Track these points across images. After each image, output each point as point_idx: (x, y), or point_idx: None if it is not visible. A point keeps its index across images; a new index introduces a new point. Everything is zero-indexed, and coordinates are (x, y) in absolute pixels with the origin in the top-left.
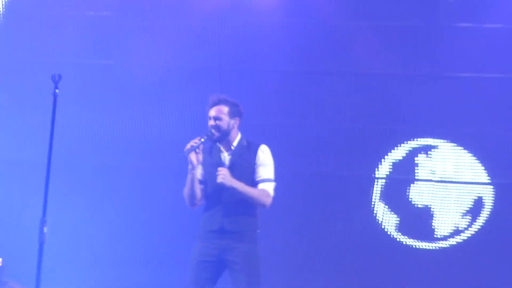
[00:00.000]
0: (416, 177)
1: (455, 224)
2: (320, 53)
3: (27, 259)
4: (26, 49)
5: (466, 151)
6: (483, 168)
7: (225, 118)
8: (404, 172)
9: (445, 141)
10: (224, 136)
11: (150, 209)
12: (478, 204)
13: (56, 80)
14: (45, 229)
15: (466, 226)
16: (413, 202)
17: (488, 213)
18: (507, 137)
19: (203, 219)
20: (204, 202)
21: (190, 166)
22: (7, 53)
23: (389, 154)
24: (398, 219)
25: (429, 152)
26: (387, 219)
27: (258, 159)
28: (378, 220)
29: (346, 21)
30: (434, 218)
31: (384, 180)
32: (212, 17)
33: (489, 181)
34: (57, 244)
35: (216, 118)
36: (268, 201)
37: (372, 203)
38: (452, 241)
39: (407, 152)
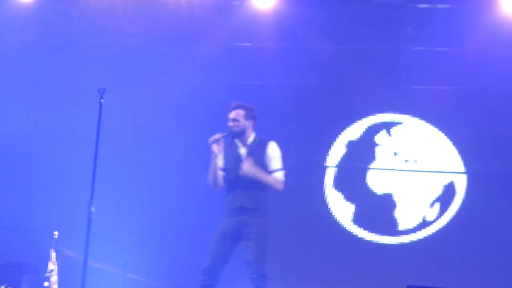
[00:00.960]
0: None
1: (421, 215)
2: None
3: (79, 232)
4: (77, 67)
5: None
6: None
7: (242, 120)
8: (362, 156)
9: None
10: (240, 134)
11: (184, 194)
12: (448, 192)
13: (101, 92)
14: (93, 208)
15: (434, 218)
16: (372, 190)
17: (460, 203)
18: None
19: (226, 199)
20: (226, 186)
21: (212, 155)
22: (65, 72)
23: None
24: (355, 209)
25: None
26: (342, 209)
27: (268, 153)
28: (331, 211)
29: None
30: (396, 208)
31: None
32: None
33: (463, 170)
34: (104, 221)
35: (234, 120)
36: (280, 186)
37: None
38: (418, 235)
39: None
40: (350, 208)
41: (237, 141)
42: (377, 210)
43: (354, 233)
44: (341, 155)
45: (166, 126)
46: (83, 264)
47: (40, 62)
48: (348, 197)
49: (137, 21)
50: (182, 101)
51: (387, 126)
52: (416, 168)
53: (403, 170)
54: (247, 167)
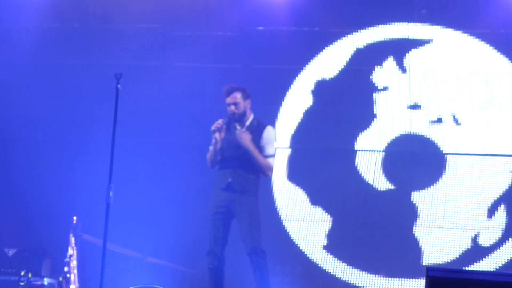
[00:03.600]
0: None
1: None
2: None
3: (98, 217)
4: (93, 52)
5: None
6: None
7: (241, 101)
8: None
9: None
10: (242, 116)
11: (202, 177)
12: None
13: (118, 77)
14: (111, 193)
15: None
16: None
17: None
18: None
19: (216, 177)
20: (219, 164)
21: (214, 141)
22: (81, 58)
23: None
24: None
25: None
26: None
27: (264, 137)
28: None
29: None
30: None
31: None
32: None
33: None
34: (122, 205)
35: (234, 104)
36: (270, 174)
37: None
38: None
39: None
40: None
41: (236, 124)
42: None
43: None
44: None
45: (182, 110)
46: (102, 248)
47: (56, 48)
48: None
49: (152, 6)
50: (197, 86)
51: None
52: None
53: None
54: (243, 137)
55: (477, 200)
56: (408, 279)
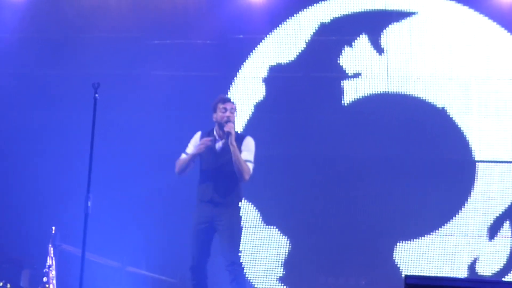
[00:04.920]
0: None
1: None
2: None
3: (76, 228)
4: (71, 62)
5: None
6: None
7: (235, 112)
8: None
9: None
10: (233, 130)
11: (181, 187)
12: None
13: (96, 87)
14: (89, 203)
15: None
16: None
17: None
18: None
19: (198, 190)
20: (199, 176)
21: (194, 150)
22: (60, 67)
23: None
24: None
25: None
26: None
27: (243, 145)
28: None
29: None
30: None
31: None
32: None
33: None
34: (101, 216)
35: (233, 110)
36: (247, 177)
37: None
38: None
39: None
40: None
41: (215, 133)
42: None
43: None
44: None
45: (160, 119)
46: (81, 258)
47: (34, 58)
48: None
49: (130, 15)
50: (176, 95)
51: None
52: None
53: None
54: (231, 130)
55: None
56: None
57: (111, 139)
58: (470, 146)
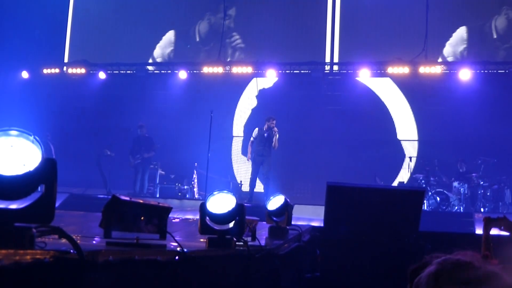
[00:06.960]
0: None
1: None
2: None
3: None
4: None
5: None
6: None
7: (274, 122)
8: None
9: None
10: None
11: None
12: None
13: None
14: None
15: None
16: None
17: None
18: None
19: (255, 150)
20: (256, 146)
21: (250, 150)
22: None
23: None
24: None
25: None
26: None
27: (274, 136)
28: None
29: None
30: None
31: None
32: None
33: None
34: None
35: (274, 121)
36: (276, 147)
37: None
38: None
39: None
40: None
41: (264, 129)
42: None
43: None
44: None
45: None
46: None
47: None
48: None
49: None
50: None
51: None
52: None
53: None
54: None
55: None
56: None
57: None
58: None
